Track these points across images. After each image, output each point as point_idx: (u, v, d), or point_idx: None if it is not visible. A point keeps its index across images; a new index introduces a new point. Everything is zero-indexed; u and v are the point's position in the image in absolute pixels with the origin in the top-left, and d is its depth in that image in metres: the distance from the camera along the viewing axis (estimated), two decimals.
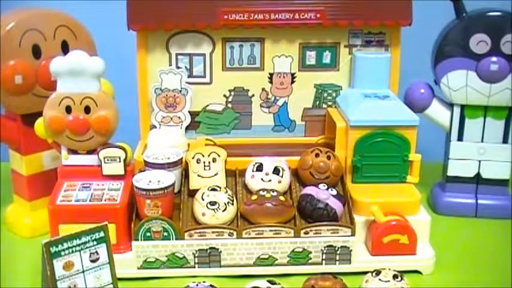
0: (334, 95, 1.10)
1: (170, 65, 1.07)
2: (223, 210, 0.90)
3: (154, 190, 0.88)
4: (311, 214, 0.91)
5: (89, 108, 0.91)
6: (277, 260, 0.91)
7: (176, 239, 0.89)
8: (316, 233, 0.90)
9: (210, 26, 1.04)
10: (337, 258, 0.91)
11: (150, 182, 0.90)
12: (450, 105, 1.09)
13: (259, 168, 0.96)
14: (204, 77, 1.09)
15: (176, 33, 1.06)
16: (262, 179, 0.95)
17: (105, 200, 0.90)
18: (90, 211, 0.88)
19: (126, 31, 1.03)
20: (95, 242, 0.78)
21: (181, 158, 0.96)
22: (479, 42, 1.03)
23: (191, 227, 0.90)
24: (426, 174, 1.03)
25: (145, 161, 0.95)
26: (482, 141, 1.09)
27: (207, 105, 1.10)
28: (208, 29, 1.05)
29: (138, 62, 1.06)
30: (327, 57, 1.09)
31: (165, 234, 0.89)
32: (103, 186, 0.92)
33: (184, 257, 0.90)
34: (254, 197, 0.91)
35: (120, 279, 0.82)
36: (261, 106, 1.11)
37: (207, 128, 1.11)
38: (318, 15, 1.03)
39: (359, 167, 0.98)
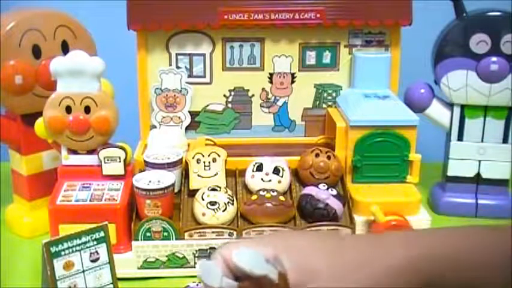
0: (334, 95, 1.10)
1: (170, 65, 1.07)
2: (223, 210, 0.90)
3: (154, 190, 0.88)
4: (311, 214, 0.91)
5: (89, 108, 0.91)
6: None
7: (176, 239, 0.89)
8: None
9: (210, 26, 1.04)
10: None
11: (150, 182, 0.90)
12: (450, 105, 1.09)
13: (259, 168, 0.96)
14: (204, 77, 1.08)
15: (176, 33, 1.06)
16: (262, 179, 0.95)
17: (105, 200, 0.90)
18: (90, 211, 0.88)
19: (126, 31, 1.03)
20: (95, 242, 0.78)
21: (181, 158, 0.96)
22: (479, 42, 1.03)
23: (191, 227, 0.90)
24: (426, 174, 1.03)
25: (145, 161, 0.95)
26: (482, 141, 1.09)
27: (207, 105, 1.10)
28: (208, 29, 1.05)
29: (138, 62, 1.06)
30: (327, 57, 1.09)
31: (165, 234, 0.89)
32: (103, 186, 0.92)
33: (184, 257, 0.90)
34: (254, 197, 0.91)
35: (120, 279, 0.82)
36: (261, 106, 1.11)
37: (207, 128, 1.11)
38: (318, 15, 1.03)
39: (359, 167, 0.98)
